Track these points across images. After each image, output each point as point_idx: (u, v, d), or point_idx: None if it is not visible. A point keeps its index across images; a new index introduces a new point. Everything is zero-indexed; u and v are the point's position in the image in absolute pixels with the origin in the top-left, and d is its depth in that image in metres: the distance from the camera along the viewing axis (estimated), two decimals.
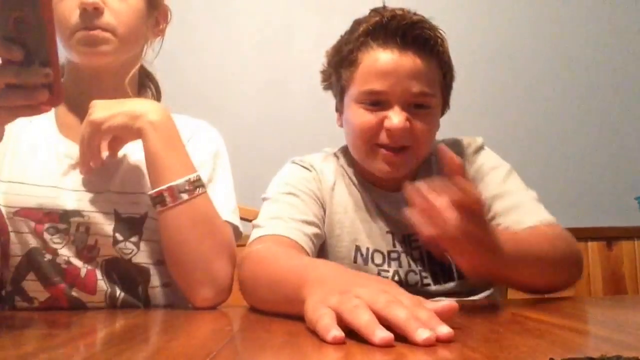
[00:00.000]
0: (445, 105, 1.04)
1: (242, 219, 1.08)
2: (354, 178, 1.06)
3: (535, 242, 0.85)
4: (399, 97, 0.95)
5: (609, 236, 1.95)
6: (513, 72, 2.06)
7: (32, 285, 0.95)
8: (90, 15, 0.94)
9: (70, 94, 1.05)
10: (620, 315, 0.73)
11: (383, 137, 0.96)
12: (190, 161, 0.94)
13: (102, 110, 0.93)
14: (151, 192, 0.91)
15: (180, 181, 0.90)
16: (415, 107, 0.96)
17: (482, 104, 2.04)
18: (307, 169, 1.07)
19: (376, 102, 0.97)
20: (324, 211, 1.04)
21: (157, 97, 1.17)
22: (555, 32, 2.08)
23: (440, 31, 0.99)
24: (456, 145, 1.07)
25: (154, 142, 0.92)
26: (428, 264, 1.02)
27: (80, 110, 1.04)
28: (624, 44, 2.08)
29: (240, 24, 2.04)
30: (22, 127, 1.00)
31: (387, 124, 0.95)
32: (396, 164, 0.98)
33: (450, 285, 1.01)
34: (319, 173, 1.07)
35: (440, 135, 1.07)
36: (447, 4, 2.05)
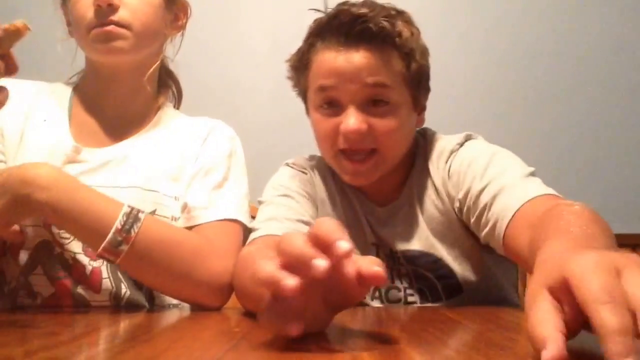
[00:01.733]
0: (416, 99, 0.95)
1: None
2: (345, 186, 1.03)
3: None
4: (352, 96, 0.89)
5: (635, 243, 1.93)
6: (528, 75, 2.05)
7: (38, 280, 0.95)
8: (105, 12, 0.94)
9: (88, 95, 1.06)
10: None
11: (342, 142, 0.91)
12: (106, 201, 0.85)
13: None
14: (98, 252, 0.83)
15: (108, 238, 0.81)
16: (374, 104, 0.90)
17: (497, 108, 2.02)
18: (302, 171, 1.06)
19: (330, 102, 0.91)
20: (318, 212, 1.02)
21: (178, 96, 1.18)
22: (569, 33, 2.06)
23: (400, 21, 0.91)
24: (435, 148, 1.00)
25: (59, 211, 0.81)
26: (416, 281, 0.99)
27: (98, 110, 1.05)
28: (636, 44, 2.06)
29: (252, 25, 2.04)
30: (35, 128, 1.00)
31: (342, 127, 0.90)
32: (360, 172, 0.93)
33: (438, 305, 0.97)
34: (312, 176, 1.05)
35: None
36: (454, 4, 2.04)
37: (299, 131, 1.95)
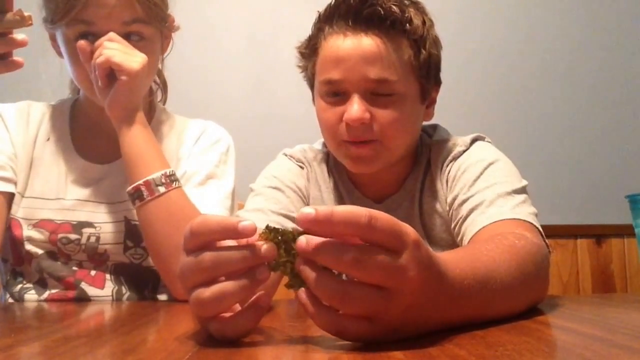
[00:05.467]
0: (424, 90, 0.93)
1: None
2: (340, 182, 1.02)
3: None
4: (356, 85, 0.87)
5: (599, 233, 1.96)
6: (506, 70, 2.06)
7: (49, 281, 1.02)
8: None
9: (87, 112, 1.10)
10: (608, 313, 0.72)
11: (344, 132, 0.90)
12: (164, 156, 0.96)
13: (137, 66, 0.92)
14: (129, 188, 0.92)
15: (156, 175, 0.91)
16: (379, 94, 0.88)
17: (475, 99, 2.03)
18: (299, 164, 1.04)
19: (335, 93, 0.90)
20: None
21: (163, 87, 1.18)
22: (552, 29, 2.08)
23: (412, 8, 0.89)
24: (442, 150, 0.98)
25: (135, 133, 0.93)
26: None
27: (97, 127, 1.09)
28: (616, 42, 2.08)
29: (226, 22, 2.02)
30: (41, 148, 1.06)
31: (345, 116, 0.88)
32: (362, 159, 0.91)
33: None
34: (309, 171, 1.04)
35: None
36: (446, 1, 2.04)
37: (273, 130, 1.97)
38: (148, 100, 1.10)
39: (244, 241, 0.48)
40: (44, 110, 1.10)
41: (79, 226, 1.01)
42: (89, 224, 1.02)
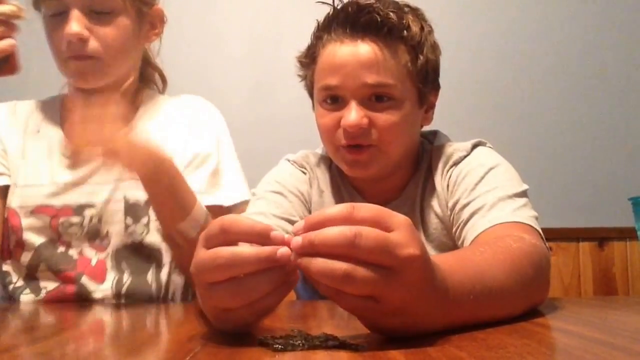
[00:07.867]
0: (422, 94, 0.93)
1: None
2: (342, 186, 1.02)
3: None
4: (354, 92, 0.88)
5: (601, 236, 1.95)
6: (508, 72, 2.05)
7: (43, 275, 1.00)
8: (76, 45, 0.96)
9: (76, 105, 1.07)
10: (610, 316, 0.72)
11: (341, 137, 0.90)
12: (190, 190, 0.95)
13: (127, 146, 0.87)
14: (161, 231, 0.97)
15: (204, 219, 0.94)
16: (377, 99, 0.89)
17: (476, 102, 2.03)
18: (301, 169, 1.04)
19: (333, 98, 0.91)
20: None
21: (163, 83, 1.18)
22: (552, 32, 2.08)
23: (410, 15, 0.90)
24: (442, 155, 0.98)
25: (175, 177, 0.92)
26: None
27: None
28: (621, 44, 2.08)
29: (228, 24, 2.01)
30: (31, 140, 1.06)
31: (342, 122, 0.88)
32: (359, 163, 0.91)
33: None
34: (312, 176, 1.03)
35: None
36: (448, 1, 2.04)
37: (275, 133, 1.97)
38: (133, 89, 1.10)
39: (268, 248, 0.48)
40: (31, 105, 1.10)
41: (79, 209, 1.01)
42: (90, 205, 1.01)
